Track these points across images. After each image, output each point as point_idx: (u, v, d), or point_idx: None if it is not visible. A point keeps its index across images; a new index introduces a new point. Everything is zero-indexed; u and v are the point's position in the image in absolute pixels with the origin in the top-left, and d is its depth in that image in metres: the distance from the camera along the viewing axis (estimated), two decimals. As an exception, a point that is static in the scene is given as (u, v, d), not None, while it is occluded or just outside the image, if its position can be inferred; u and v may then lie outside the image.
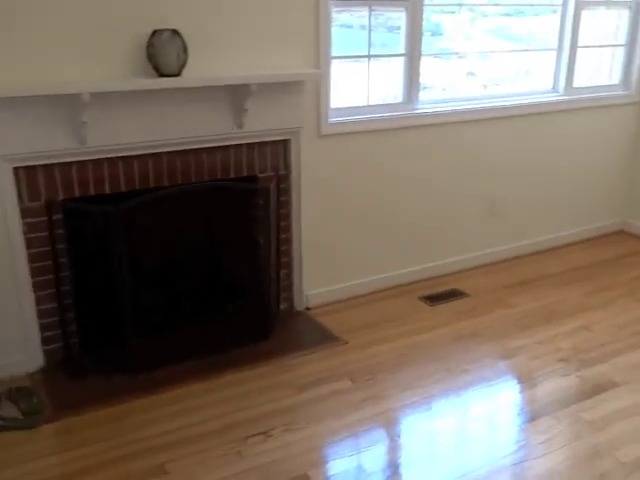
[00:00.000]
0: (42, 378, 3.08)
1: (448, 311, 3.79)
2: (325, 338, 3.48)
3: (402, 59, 3.76)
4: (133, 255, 2.98)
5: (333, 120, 3.56)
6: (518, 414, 2.88)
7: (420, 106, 3.87)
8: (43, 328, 3.12)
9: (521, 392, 3.04)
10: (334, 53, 3.46)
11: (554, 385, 3.05)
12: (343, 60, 3.59)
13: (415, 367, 3.21)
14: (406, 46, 3.73)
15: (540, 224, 4.61)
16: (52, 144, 2.84)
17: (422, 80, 3.83)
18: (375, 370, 3.18)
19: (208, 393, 2.99)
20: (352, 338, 3.48)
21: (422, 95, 3.87)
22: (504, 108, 4.15)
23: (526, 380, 3.10)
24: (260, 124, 3.30)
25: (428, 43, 3.81)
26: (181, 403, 2.91)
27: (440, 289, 4.06)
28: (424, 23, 3.70)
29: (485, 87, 4.26)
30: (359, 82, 3.71)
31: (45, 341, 3.14)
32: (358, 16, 3.62)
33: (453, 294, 3.99)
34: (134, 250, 2.99)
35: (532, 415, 2.85)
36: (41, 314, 3.09)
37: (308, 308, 3.80)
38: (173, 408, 2.88)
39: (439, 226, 4.16)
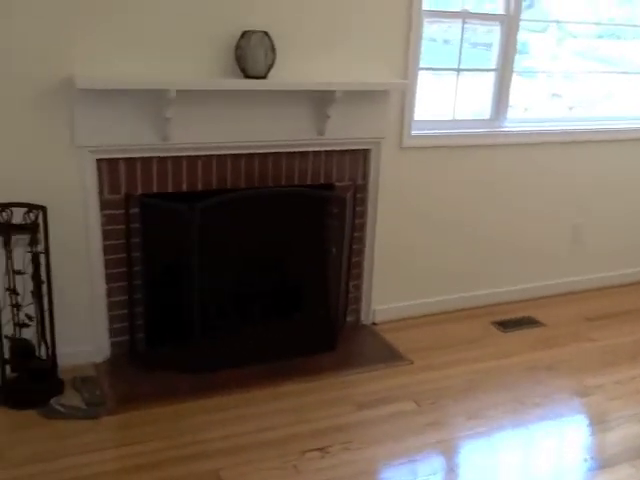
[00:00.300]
0: (107, 370, 3.10)
1: (522, 339, 3.62)
2: (390, 356, 3.37)
3: (492, 75, 3.63)
4: (205, 254, 2.96)
5: (416, 132, 3.46)
6: (589, 458, 2.69)
7: (507, 124, 3.73)
8: (112, 320, 3.14)
9: (594, 434, 2.85)
10: (422, 65, 3.36)
11: (633, 431, 2.85)
12: (429, 72, 3.49)
13: (483, 395, 3.06)
14: (498, 61, 3.60)
15: (627, 255, 4.37)
16: (136, 138, 2.87)
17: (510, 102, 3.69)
18: (441, 394, 3.05)
19: (268, 401, 2.94)
20: (418, 358, 3.36)
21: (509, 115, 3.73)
22: (593, 132, 3.95)
23: (601, 422, 2.91)
24: (341, 132, 3.24)
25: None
26: (241, 409, 2.87)
27: (514, 315, 3.89)
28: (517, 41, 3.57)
29: (571, 109, 4.07)
30: (444, 96, 3.61)
31: (113, 333, 3.16)
32: (444, 29, 3.52)
33: (528, 322, 3.82)
34: (206, 249, 2.97)
35: (605, 461, 2.66)
36: (111, 306, 3.12)
37: (374, 323, 3.71)
38: (232, 413, 2.84)
39: (517, 249, 4.00)
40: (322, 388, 3.06)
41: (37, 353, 2.89)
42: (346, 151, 3.34)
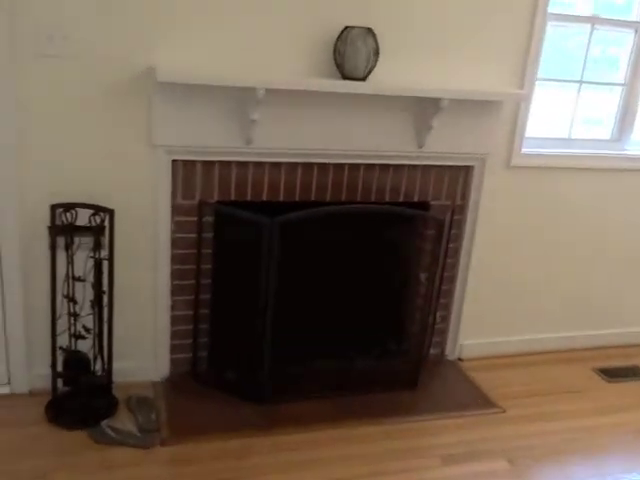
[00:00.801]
0: (165, 390, 2.82)
1: (630, 392, 3.16)
2: (479, 401, 2.98)
3: (618, 90, 3.18)
4: (281, 273, 2.65)
5: (527, 150, 3.05)
6: None
7: (631, 146, 3.27)
8: (174, 336, 2.87)
9: None
10: (539, 74, 2.95)
11: None
12: (547, 83, 3.07)
13: (588, 459, 2.64)
14: (627, 75, 3.15)
15: None
16: (216, 140, 2.58)
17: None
18: (538, 453, 2.65)
19: (340, 444, 2.60)
20: (511, 406, 2.96)
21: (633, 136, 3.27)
22: None
23: None
24: (443, 145, 2.87)
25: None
26: (308, 451, 2.54)
27: (620, 363, 3.43)
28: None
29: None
30: (561, 111, 3.18)
31: (174, 350, 2.89)
32: (568, 37, 3.09)
33: (635, 372, 3.35)
34: (283, 268, 2.66)
35: None
36: (174, 321, 2.85)
37: (460, 359, 3.32)
38: (300, 456, 2.51)
39: (630, 286, 3.52)
40: (401, 434, 2.70)
41: (92, 368, 2.64)
42: (446, 167, 2.97)
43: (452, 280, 3.20)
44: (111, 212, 2.47)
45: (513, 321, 3.39)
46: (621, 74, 3.16)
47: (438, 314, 3.21)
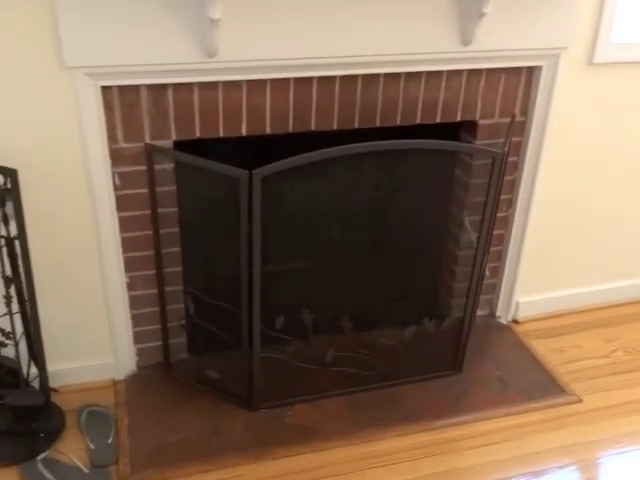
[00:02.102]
0: (129, 393, 2.14)
1: None
2: (545, 386, 2.26)
3: None
4: (270, 237, 1.86)
5: (617, 41, 2.13)
6: None
7: None
8: (137, 321, 2.16)
9: None
10: None
11: None
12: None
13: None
14: None
15: None
16: (165, 54, 1.72)
17: None
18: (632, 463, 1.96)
19: (365, 467, 1.92)
20: (588, 391, 2.25)
21: None
22: None
23: None
24: (499, 40, 1.97)
25: None
26: (320, 482, 1.88)
27: None
28: None
29: None
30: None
31: (138, 338, 2.19)
32: None
33: None
34: (273, 230, 1.89)
35: None
36: (134, 302, 2.12)
37: (516, 321, 2.57)
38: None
39: None
40: (442, 448, 2.01)
41: (21, 378, 1.94)
42: (501, 70, 2.08)
43: (506, 223, 2.40)
44: (13, 172, 1.67)
45: (583, 268, 2.61)
46: None
47: (488, 266, 2.43)
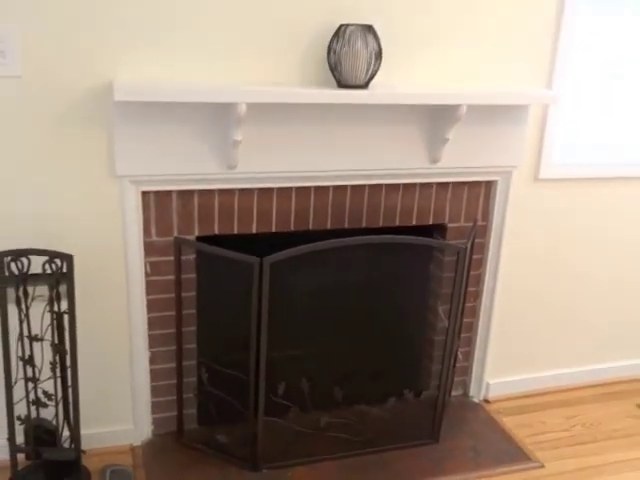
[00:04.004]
0: (146, 456, 2.43)
1: (686, 435, 2.74)
2: (512, 454, 2.57)
3: (659, 84, 2.75)
4: (274, 317, 2.24)
5: (558, 160, 2.63)
6: None
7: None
8: (155, 392, 2.48)
9: None
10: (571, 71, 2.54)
11: None
12: (579, 81, 2.65)
13: (648, 529, 2.23)
14: (671, 67, 2.72)
15: None
16: (193, 167, 2.17)
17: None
18: (588, 523, 2.24)
19: (352, 520, 2.20)
20: (549, 459, 2.55)
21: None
22: None
23: None
24: (461, 159, 2.45)
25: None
26: (316, 531, 2.14)
27: (669, 397, 3.01)
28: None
29: None
30: (596, 113, 2.75)
31: (155, 408, 2.50)
32: (602, 26, 2.65)
33: (689, 408, 2.93)
34: (276, 311, 2.26)
35: None
36: (155, 375, 2.45)
37: (487, 400, 2.90)
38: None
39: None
40: (424, 502, 2.30)
41: (58, 438, 2.24)
42: (464, 184, 2.55)
43: (475, 311, 2.79)
44: (69, 258, 2.07)
45: (545, 354, 2.98)
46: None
47: (460, 351, 2.80)
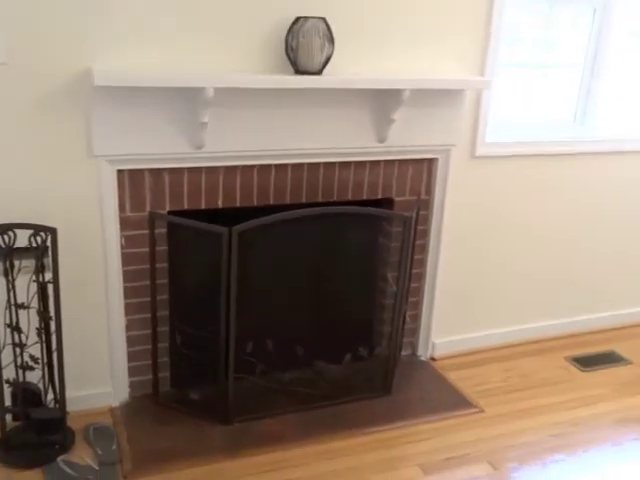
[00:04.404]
0: (125, 416, 2.64)
1: (606, 381, 3.10)
2: (456, 401, 2.88)
3: (580, 72, 3.10)
4: (242, 283, 2.48)
5: (491, 139, 2.94)
6: None
7: (597, 130, 3.19)
8: (132, 357, 2.68)
9: None
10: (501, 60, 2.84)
11: None
12: (509, 69, 2.96)
13: (573, 457, 2.56)
14: (588, 55, 3.06)
15: None
16: (164, 146, 2.39)
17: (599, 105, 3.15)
18: (522, 454, 2.56)
19: (315, 461, 2.46)
20: (489, 404, 2.86)
21: (598, 118, 3.19)
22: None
23: None
24: (406, 139, 2.73)
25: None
26: (283, 472, 2.39)
27: (593, 350, 3.37)
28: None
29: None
30: (525, 96, 3.07)
31: (132, 372, 2.70)
32: (529, 22, 2.97)
33: (611, 358, 3.29)
34: (243, 278, 2.49)
35: None
36: (131, 341, 2.66)
37: (433, 358, 3.21)
38: (276, 478, 2.36)
39: (598, 273, 3.47)
40: (379, 443, 2.58)
41: (44, 399, 2.43)
42: (409, 161, 2.83)
43: (421, 277, 3.08)
44: (53, 231, 2.26)
45: (485, 315, 3.29)
46: (581, 55, 3.07)
47: (408, 314, 3.09)
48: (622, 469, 2.51)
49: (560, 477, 2.44)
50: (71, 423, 2.52)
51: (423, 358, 3.20)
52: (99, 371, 2.64)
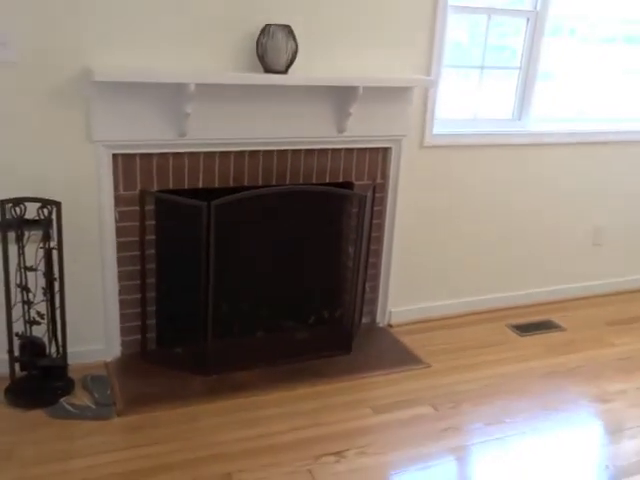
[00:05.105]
0: (117, 369, 3.04)
1: (541, 343, 3.54)
2: (407, 359, 3.31)
3: (516, 74, 3.55)
4: (221, 253, 2.90)
5: (438, 131, 3.38)
6: (610, 466, 2.62)
7: (530, 124, 3.64)
8: (124, 319, 3.08)
9: (614, 443, 2.77)
10: (445, 62, 3.28)
11: (657, 440, 2.78)
12: (452, 70, 3.41)
13: (502, 401, 2.99)
14: (523, 60, 3.51)
15: (647, 260, 4.29)
16: (153, 134, 2.80)
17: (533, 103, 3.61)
18: (459, 399, 2.99)
19: (282, 404, 2.87)
20: (436, 362, 3.29)
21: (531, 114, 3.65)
22: (617, 132, 3.86)
23: (621, 430, 2.84)
24: (362, 130, 3.16)
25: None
26: (254, 411, 2.81)
27: (532, 319, 3.82)
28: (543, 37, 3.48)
29: (589, 112, 3.96)
30: (467, 95, 3.52)
31: (124, 332, 3.10)
32: (469, 28, 3.42)
33: (546, 326, 3.74)
34: (222, 248, 2.91)
35: (625, 470, 2.59)
36: (123, 305, 3.06)
37: (390, 325, 3.64)
38: (246, 416, 2.78)
39: (537, 251, 3.92)
40: (338, 391, 2.99)
41: (48, 351, 2.83)
42: (366, 149, 3.27)
43: (378, 253, 3.51)
44: (58, 205, 2.67)
45: (437, 287, 3.73)
46: (518, 59, 3.53)
47: (367, 284, 3.52)
48: (539, 413, 2.95)
49: (488, 416, 2.88)
50: (71, 374, 2.92)
51: (381, 325, 3.62)
52: (95, 330, 3.03)
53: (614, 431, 2.84)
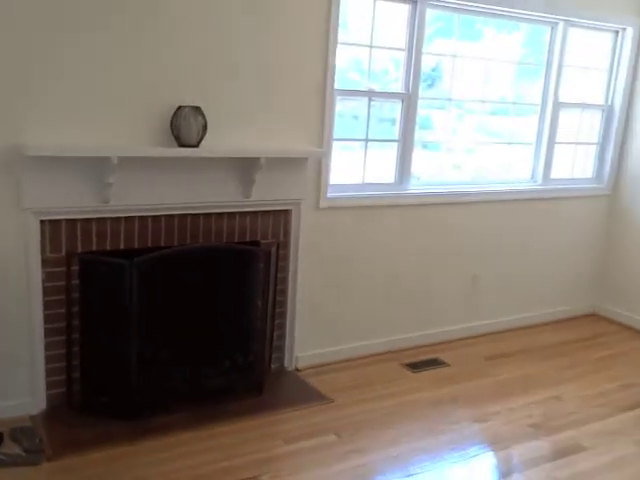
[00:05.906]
0: (44, 420, 3.24)
1: (429, 378, 4.02)
2: (313, 397, 3.69)
3: (396, 145, 4.15)
4: (141, 307, 3.22)
5: (331, 195, 3.89)
6: (491, 471, 3.09)
7: (411, 188, 4.23)
8: (49, 373, 3.31)
9: (494, 452, 3.25)
10: (335, 136, 3.83)
11: (524, 447, 3.27)
12: (342, 143, 3.96)
13: (397, 425, 3.42)
14: (400, 133, 4.12)
15: (518, 302, 4.92)
16: (78, 201, 3.13)
17: (412, 169, 4.21)
18: (360, 427, 3.39)
19: (200, 441, 3.17)
20: (338, 397, 3.69)
21: (412, 180, 4.25)
22: (487, 193, 4.53)
23: (498, 442, 3.32)
24: (265, 195, 3.62)
25: (418, 135, 4.19)
26: (174, 449, 3.09)
27: (423, 357, 4.31)
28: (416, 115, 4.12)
29: (467, 176, 4.63)
30: (355, 163, 4.08)
31: (49, 386, 3.32)
32: (355, 106, 4.01)
33: (434, 363, 4.24)
34: (142, 302, 3.23)
35: (504, 472, 3.07)
36: (49, 359, 3.29)
37: (298, 369, 4.02)
38: (167, 454, 3.05)
39: (425, 298, 4.45)
40: (251, 428, 3.32)
41: (-22, 405, 3.02)
42: (270, 212, 3.72)
43: (284, 303, 3.92)
44: (-10, 266, 2.93)
45: (338, 333, 4.16)
46: (397, 133, 4.14)
47: (275, 333, 3.90)
48: (430, 433, 3.40)
49: (385, 437, 3.29)
50: (-1, 427, 3.12)
51: (289, 369, 4.00)
52: (21, 384, 3.24)
53: (492, 443, 3.32)
